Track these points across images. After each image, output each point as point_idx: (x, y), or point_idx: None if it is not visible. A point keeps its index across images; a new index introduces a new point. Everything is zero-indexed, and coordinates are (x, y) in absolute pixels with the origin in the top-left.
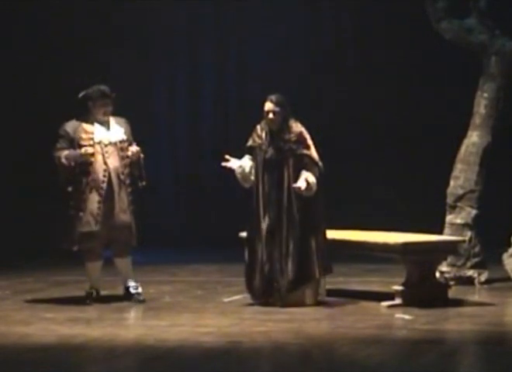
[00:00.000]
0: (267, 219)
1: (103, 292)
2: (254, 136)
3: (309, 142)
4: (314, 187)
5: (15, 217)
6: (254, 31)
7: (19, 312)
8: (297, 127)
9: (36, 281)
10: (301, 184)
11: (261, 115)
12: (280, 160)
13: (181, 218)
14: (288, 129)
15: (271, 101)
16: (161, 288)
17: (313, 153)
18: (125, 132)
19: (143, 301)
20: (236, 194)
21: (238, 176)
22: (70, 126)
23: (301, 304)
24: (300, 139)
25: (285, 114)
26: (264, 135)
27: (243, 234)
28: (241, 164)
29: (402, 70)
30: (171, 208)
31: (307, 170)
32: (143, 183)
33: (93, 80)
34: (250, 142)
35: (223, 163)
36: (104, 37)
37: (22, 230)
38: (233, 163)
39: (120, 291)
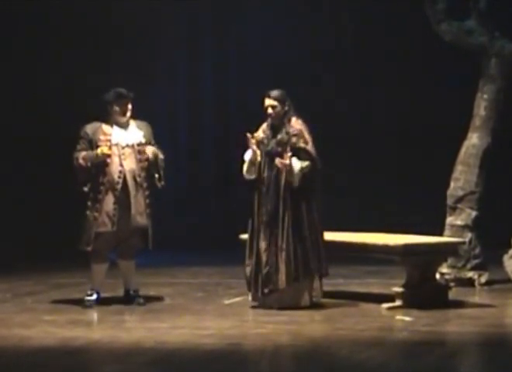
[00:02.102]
0: (265, 212)
1: (103, 294)
2: (260, 130)
3: (308, 138)
4: (295, 171)
5: (15, 219)
6: (253, 30)
7: (20, 315)
8: (297, 123)
9: (36, 284)
10: (283, 160)
11: (261, 115)
12: (279, 153)
13: (182, 220)
14: (289, 123)
15: (269, 97)
16: (162, 290)
17: (311, 148)
18: (144, 135)
19: (143, 304)
20: (236, 196)
21: (246, 165)
22: (90, 128)
23: (295, 305)
24: (299, 134)
25: (284, 109)
26: (268, 130)
27: (244, 236)
28: (257, 152)
29: (402, 71)
30: (171, 210)
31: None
32: (162, 183)
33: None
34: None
35: (249, 136)
36: (104, 37)
37: (22, 233)
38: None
39: (120, 294)
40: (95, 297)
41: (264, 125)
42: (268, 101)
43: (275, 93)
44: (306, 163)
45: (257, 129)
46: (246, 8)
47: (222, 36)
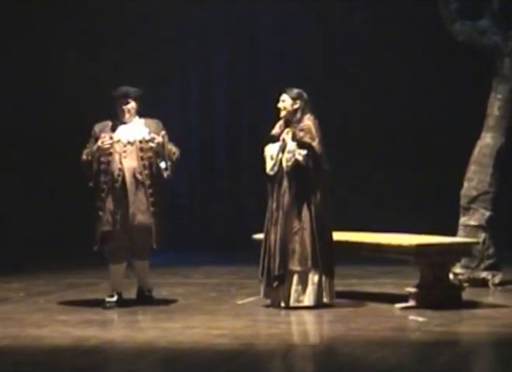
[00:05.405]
0: (275, 209)
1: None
2: (277, 126)
3: (315, 135)
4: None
5: (27, 219)
6: (266, 25)
7: (33, 314)
8: (308, 120)
9: (49, 283)
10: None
11: (272, 115)
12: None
13: (195, 220)
14: (302, 120)
15: (284, 92)
16: (175, 290)
17: (316, 145)
18: (150, 133)
19: (155, 304)
20: (250, 196)
21: (270, 162)
22: (98, 126)
23: (300, 303)
24: (307, 129)
25: (294, 106)
26: (284, 126)
27: (257, 236)
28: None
29: (414, 71)
30: (184, 210)
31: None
32: (168, 172)
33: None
34: (273, 132)
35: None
36: (111, 36)
37: (35, 232)
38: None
39: (133, 294)
40: (115, 298)
41: (282, 121)
42: (282, 97)
43: (288, 89)
44: (300, 151)
45: (274, 125)
46: (258, 7)
47: (234, 32)
